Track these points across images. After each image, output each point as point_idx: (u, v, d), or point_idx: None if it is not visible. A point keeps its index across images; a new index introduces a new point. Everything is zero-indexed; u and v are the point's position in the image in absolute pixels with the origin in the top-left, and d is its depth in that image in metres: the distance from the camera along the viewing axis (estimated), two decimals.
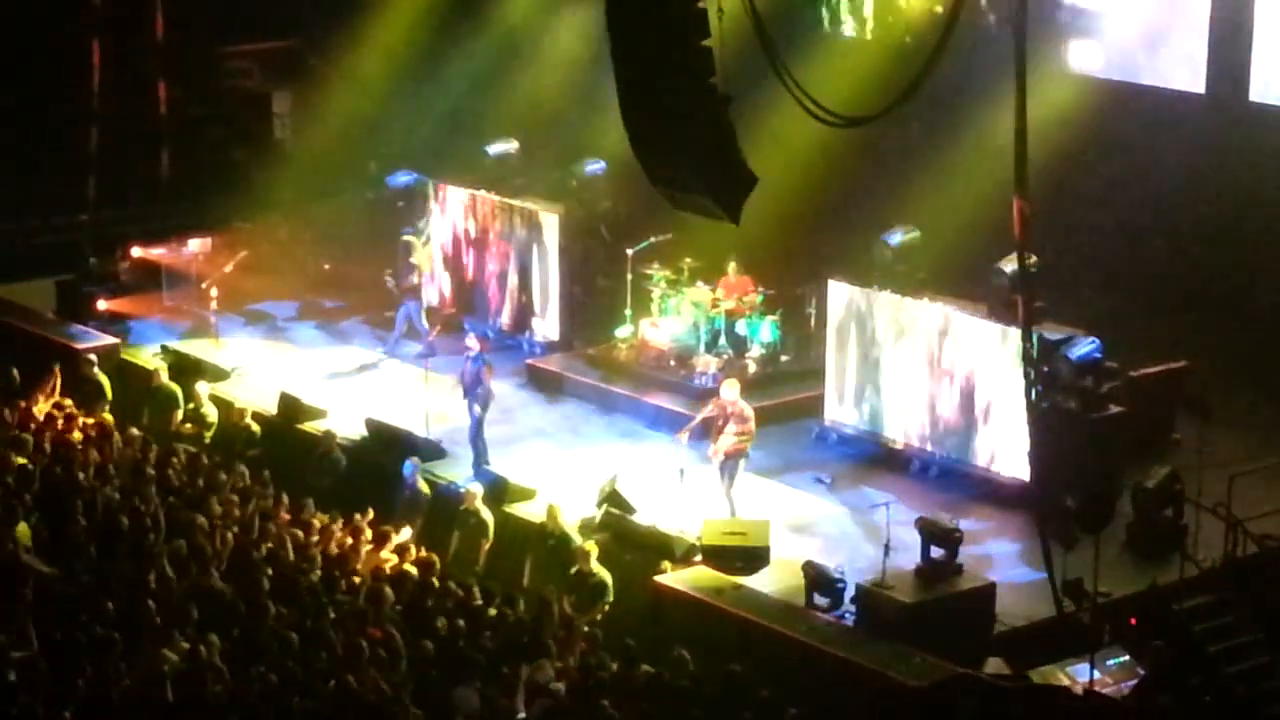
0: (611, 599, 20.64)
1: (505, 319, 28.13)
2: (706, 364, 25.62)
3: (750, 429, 22.68)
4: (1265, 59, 25.88)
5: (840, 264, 25.59)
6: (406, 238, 28.07)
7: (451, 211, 28.78)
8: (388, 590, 19.84)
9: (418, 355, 26.93)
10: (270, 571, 19.99)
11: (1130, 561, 21.59)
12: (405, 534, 21.64)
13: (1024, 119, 20.06)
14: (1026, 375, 21.25)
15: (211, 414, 24.72)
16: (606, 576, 20.81)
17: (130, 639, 18.10)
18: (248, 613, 19.15)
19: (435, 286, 28.76)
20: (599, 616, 20.41)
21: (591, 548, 21.02)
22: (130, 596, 19.05)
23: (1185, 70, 26.56)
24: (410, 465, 22.86)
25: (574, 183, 28.05)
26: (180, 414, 24.87)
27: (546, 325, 27.76)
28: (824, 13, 29.66)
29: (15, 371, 25.27)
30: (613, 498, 22.45)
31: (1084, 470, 22.21)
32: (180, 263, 29.71)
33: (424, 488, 22.75)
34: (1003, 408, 23.05)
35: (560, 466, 24.13)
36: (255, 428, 24.31)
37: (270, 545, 20.80)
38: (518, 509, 22.72)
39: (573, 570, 20.92)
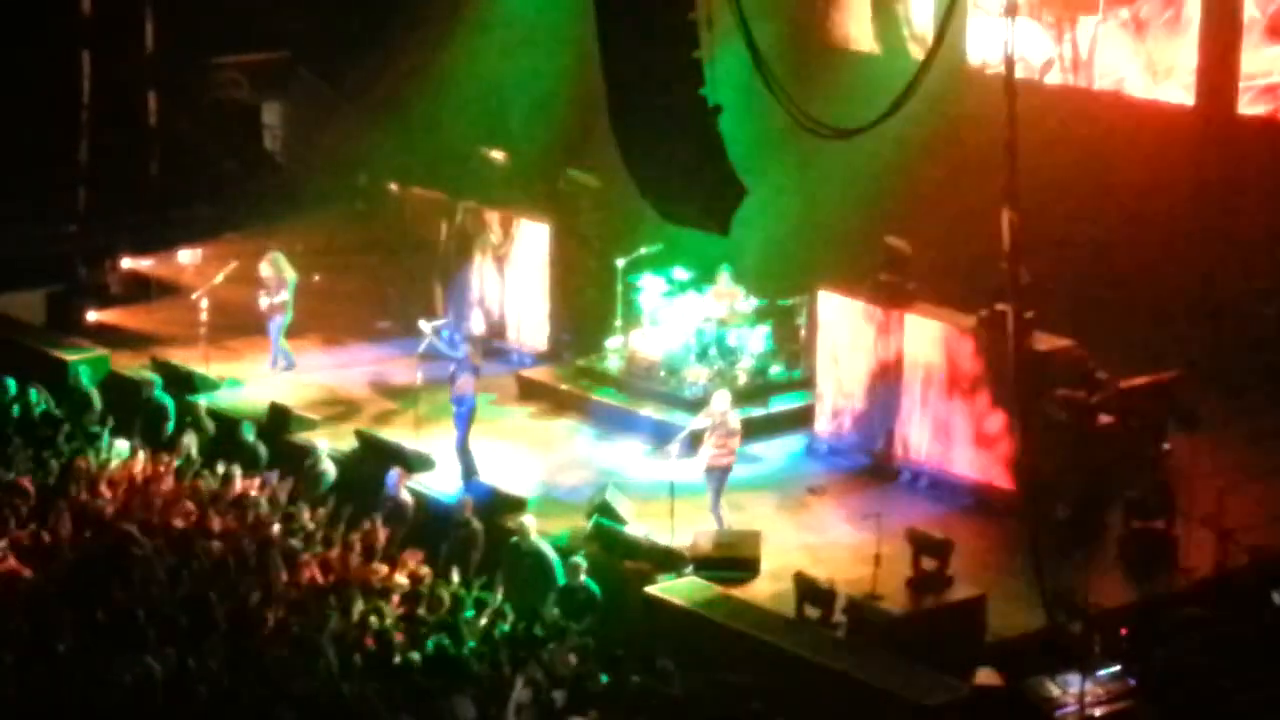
0: (600, 612, 20.59)
1: (494, 329, 28.10)
2: (697, 374, 25.62)
3: (736, 442, 22.66)
4: (1252, 72, 25.99)
5: (831, 275, 25.60)
6: (274, 254, 27.69)
7: (443, 222, 28.82)
8: (380, 602, 19.90)
9: (284, 368, 27.10)
10: (263, 583, 20.02)
11: (1121, 573, 21.61)
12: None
13: (1015, 132, 20.11)
14: (1016, 385, 21.26)
15: (210, 427, 24.68)
16: (595, 589, 20.79)
17: (118, 649, 18.13)
18: (237, 624, 19.17)
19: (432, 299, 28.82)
20: (588, 627, 20.39)
21: (581, 560, 21.01)
22: (119, 607, 19.07)
23: (1174, 83, 26.66)
24: (392, 475, 22.84)
25: (564, 193, 28.05)
26: (171, 426, 24.84)
27: (535, 336, 27.76)
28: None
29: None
30: (603, 509, 22.47)
31: (1074, 481, 22.24)
32: (170, 274, 29.69)
33: (407, 498, 22.74)
34: (992, 418, 23.06)
35: (550, 477, 24.14)
36: (262, 448, 24.17)
37: (264, 557, 20.81)
38: (509, 520, 22.71)
39: (563, 584, 20.88)
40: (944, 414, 23.72)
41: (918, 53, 27.07)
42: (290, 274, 27.28)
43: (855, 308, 24.58)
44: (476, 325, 27.75)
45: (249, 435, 24.12)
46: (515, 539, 21.54)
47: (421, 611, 19.96)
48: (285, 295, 27.19)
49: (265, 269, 27.18)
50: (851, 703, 18.98)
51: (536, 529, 21.61)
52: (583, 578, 20.85)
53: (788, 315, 26.28)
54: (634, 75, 19.46)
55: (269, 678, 18.00)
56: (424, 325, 25.24)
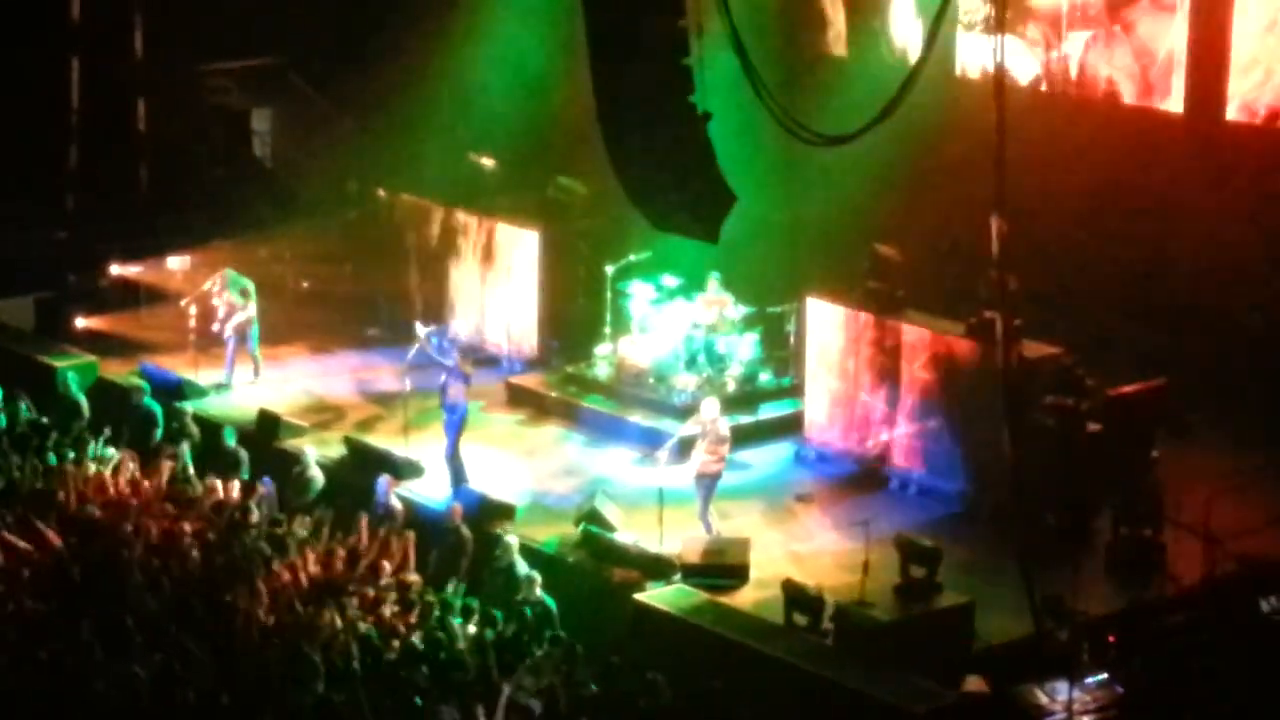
0: (555, 625, 20.49)
1: (483, 336, 28.11)
2: (686, 382, 25.62)
3: (725, 449, 22.66)
4: (1241, 79, 26.04)
5: (820, 282, 25.62)
6: (226, 271, 27.43)
7: (432, 228, 28.83)
8: (367, 607, 19.90)
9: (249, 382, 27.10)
10: (249, 589, 20.01)
11: (1109, 580, 21.62)
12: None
13: (1003, 139, 20.13)
14: (1004, 393, 21.27)
15: (195, 433, 24.65)
16: (551, 603, 20.70)
17: (105, 655, 18.11)
18: (224, 630, 19.16)
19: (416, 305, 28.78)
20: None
21: (535, 575, 20.94)
22: (106, 613, 19.06)
23: (1164, 90, 26.71)
24: (382, 482, 22.83)
25: (553, 199, 28.05)
26: (159, 433, 24.82)
27: (525, 343, 27.75)
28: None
29: None
30: (592, 516, 22.46)
31: (1062, 488, 22.25)
32: (159, 280, 29.66)
33: (397, 504, 22.73)
34: (981, 425, 23.06)
35: (539, 485, 24.13)
36: (243, 453, 24.14)
37: (250, 562, 20.80)
38: (498, 529, 22.70)
39: (518, 597, 20.82)
40: (932, 421, 23.74)
41: (901, 63, 27.08)
42: (247, 284, 27.19)
43: (844, 315, 24.61)
44: (466, 332, 27.75)
45: (230, 441, 24.09)
46: (497, 552, 21.53)
47: (409, 617, 19.95)
48: (251, 309, 27.09)
49: (219, 298, 27.12)
50: (839, 710, 18.98)
51: (518, 546, 21.60)
52: (538, 591, 20.79)
53: (777, 322, 26.31)
54: (624, 82, 19.47)
55: (255, 684, 17.99)
56: (419, 329, 25.19)
